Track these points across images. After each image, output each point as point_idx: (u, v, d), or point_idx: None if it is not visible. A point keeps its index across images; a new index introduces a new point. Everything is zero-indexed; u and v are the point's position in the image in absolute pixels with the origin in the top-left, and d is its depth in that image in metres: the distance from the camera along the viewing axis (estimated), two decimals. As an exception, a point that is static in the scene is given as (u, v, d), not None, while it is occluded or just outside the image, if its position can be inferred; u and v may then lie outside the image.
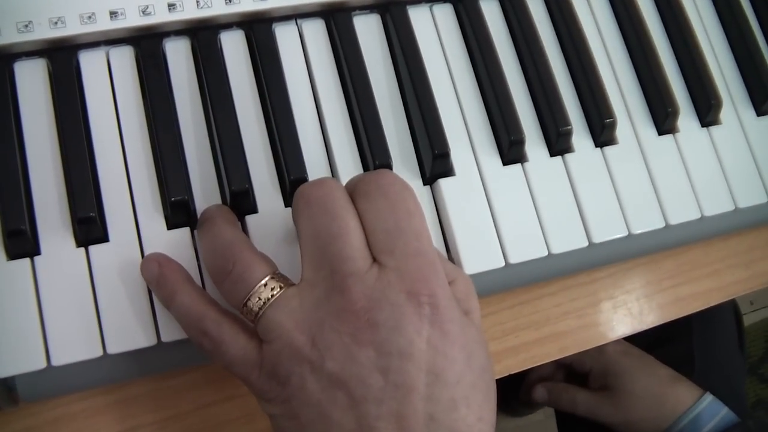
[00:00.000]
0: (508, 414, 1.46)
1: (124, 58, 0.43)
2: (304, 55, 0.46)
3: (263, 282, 0.35)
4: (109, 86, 0.43)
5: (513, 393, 1.00)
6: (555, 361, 0.85)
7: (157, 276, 0.38)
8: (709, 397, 0.70)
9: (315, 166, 0.43)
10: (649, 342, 0.80)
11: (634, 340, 0.80)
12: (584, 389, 0.79)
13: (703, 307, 0.55)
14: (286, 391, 0.34)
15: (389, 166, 0.43)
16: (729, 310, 0.82)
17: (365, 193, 0.36)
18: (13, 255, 0.39)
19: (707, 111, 0.50)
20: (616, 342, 0.78)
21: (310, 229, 0.35)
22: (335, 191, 0.35)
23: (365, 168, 0.44)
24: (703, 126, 0.50)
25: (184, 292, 0.37)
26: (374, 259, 0.35)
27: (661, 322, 0.54)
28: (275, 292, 0.35)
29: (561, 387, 0.83)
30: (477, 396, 0.35)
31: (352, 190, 0.36)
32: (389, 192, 0.35)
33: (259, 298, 0.35)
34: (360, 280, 0.34)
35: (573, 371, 0.83)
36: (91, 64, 0.43)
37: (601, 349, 0.77)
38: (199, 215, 0.41)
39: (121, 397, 0.45)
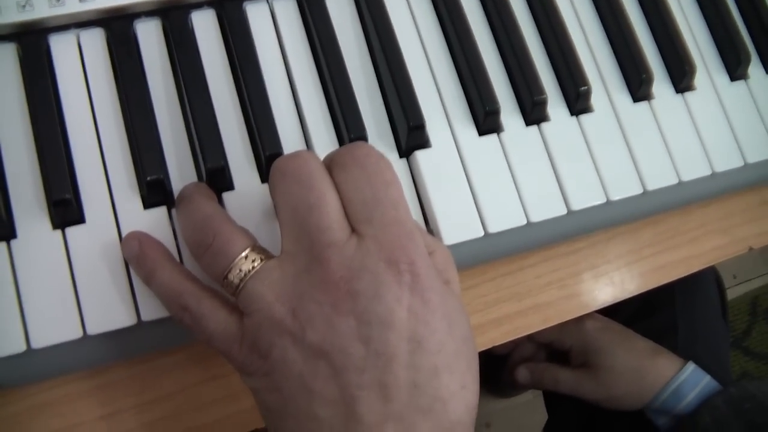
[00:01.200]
0: (497, 395, 1.47)
1: (94, 40, 0.43)
2: (276, 32, 0.45)
3: (243, 254, 0.35)
4: (81, 69, 0.42)
5: (500, 375, 1.01)
6: (536, 341, 0.87)
7: (137, 253, 0.38)
8: (690, 367, 0.70)
9: (290, 142, 0.43)
10: (634, 314, 0.80)
11: (618, 312, 0.81)
12: (566, 368, 0.80)
13: (684, 274, 0.55)
14: (267, 363, 0.34)
15: (364, 139, 0.43)
16: (711, 280, 0.82)
17: (341, 164, 0.36)
18: (-11, 239, 0.39)
19: (681, 77, 0.50)
20: (595, 319, 0.78)
21: (287, 202, 0.35)
22: (310, 162, 0.35)
23: (341, 142, 0.44)
24: (677, 92, 0.51)
25: (164, 269, 0.37)
26: (353, 230, 0.35)
27: (643, 290, 0.54)
28: (255, 264, 0.35)
29: (543, 367, 0.83)
30: (460, 364, 0.35)
31: (329, 163, 0.36)
32: (365, 163, 0.35)
33: (240, 270, 0.35)
34: (339, 251, 0.34)
35: (554, 350, 0.84)
36: (61, 47, 0.43)
37: (580, 327, 0.78)
38: (175, 194, 0.41)
39: (103, 381, 0.44)
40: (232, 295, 0.36)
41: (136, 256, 0.38)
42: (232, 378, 0.46)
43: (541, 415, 0.95)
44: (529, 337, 0.88)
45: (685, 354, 0.73)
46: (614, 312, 0.80)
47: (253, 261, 0.35)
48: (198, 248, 0.37)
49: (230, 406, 0.46)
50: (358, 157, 0.36)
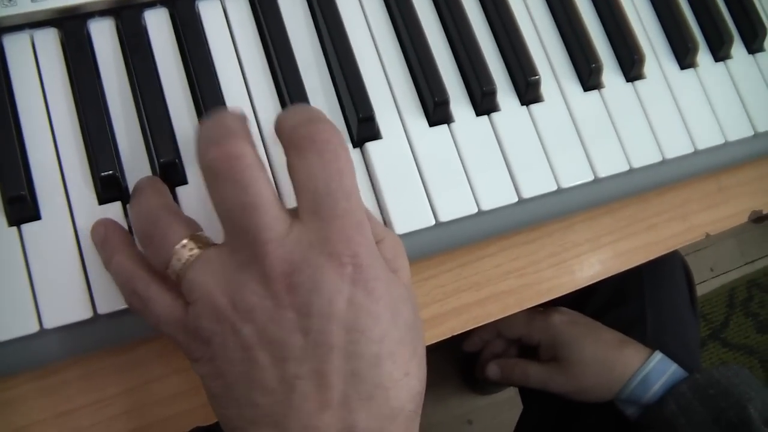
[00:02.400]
0: (477, 392, 1.47)
1: (48, 40, 0.44)
2: (229, 29, 0.46)
3: (182, 243, 0.35)
4: (35, 68, 0.43)
5: (473, 372, 1.01)
6: (505, 337, 0.87)
7: (101, 238, 0.39)
8: (658, 356, 0.71)
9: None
10: (603, 305, 0.81)
11: (588, 304, 0.81)
12: (535, 362, 0.80)
13: (643, 261, 0.56)
14: (210, 350, 0.35)
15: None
16: (679, 268, 0.83)
17: (299, 147, 0.35)
18: (-57, 237, 0.40)
19: (631, 66, 0.51)
20: (562, 312, 0.79)
21: (223, 203, 0.34)
22: (243, 159, 0.33)
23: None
24: (628, 81, 0.52)
25: (122, 254, 0.38)
26: (298, 216, 0.35)
27: (603, 277, 0.55)
28: (193, 253, 0.35)
29: (512, 362, 0.84)
30: (403, 352, 0.35)
31: (286, 137, 0.36)
32: (323, 150, 0.34)
33: (179, 259, 0.35)
34: (280, 245, 0.33)
35: (524, 346, 0.84)
36: (15, 47, 0.43)
37: (547, 321, 0.79)
38: (130, 190, 0.41)
39: (69, 377, 0.45)
40: (177, 283, 0.36)
41: (101, 240, 0.39)
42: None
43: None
44: (499, 334, 0.89)
45: (655, 343, 0.74)
46: (584, 303, 0.81)
47: (191, 250, 0.35)
48: (143, 240, 0.37)
49: (195, 399, 0.46)
50: (317, 143, 0.34)
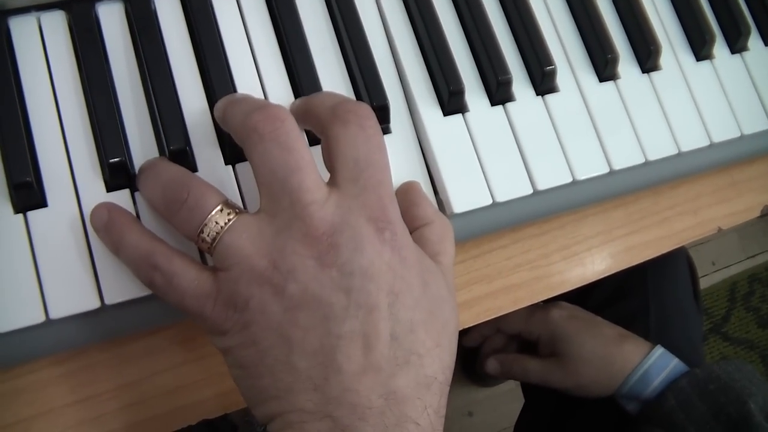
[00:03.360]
0: (478, 385, 1.47)
1: (56, 23, 0.43)
2: (240, 11, 0.45)
3: (218, 207, 0.35)
4: (42, 52, 0.42)
5: (473, 367, 1.01)
6: (505, 332, 0.87)
7: (106, 221, 0.38)
8: (658, 351, 0.71)
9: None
10: (606, 299, 0.81)
11: (590, 297, 0.81)
12: (535, 358, 0.80)
13: (655, 255, 0.56)
14: (244, 316, 0.34)
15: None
16: (683, 262, 0.83)
17: (343, 119, 0.36)
18: (-52, 223, 0.39)
19: (647, 57, 0.50)
20: (561, 307, 0.79)
21: (266, 164, 0.35)
22: (287, 123, 0.35)
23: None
24: (643, 72, 0.51)
25: (133, 231, 0.37)
26: (335, 185, 0.36)
27: (614, 271, 0.55)
28: (231, 218, 0.35)
29: (512, 358, 0.83)
30: (435, 323, 0.36)
31: (328, 110, 0.37)
32: (366, 125, 0.36)
33: (216, 223, 0.35)
34: (321, 207, 0.34)
35: (524, 341, 0.84)
36: (21, 29, 0.42)
37: (547, 316, 0.78)
38: None
39: (75, 367, 0.44)
40: (207, 251, 0.36)
41: (105, 224, 0.38)
42: (208, 361, 0.46)
43: (522, 403, 0.96)
44: (499, 329, 0.88)
45: (657, 337, 0.74)
46: (586, 297, 0.81)
47: (229, 214, 0.35)
48: (172, 206, 0.36)
49: (206, 390, 0.46)
50: (360, 117, 0.36)
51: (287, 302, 0.33)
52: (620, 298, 0.80)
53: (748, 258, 1.75)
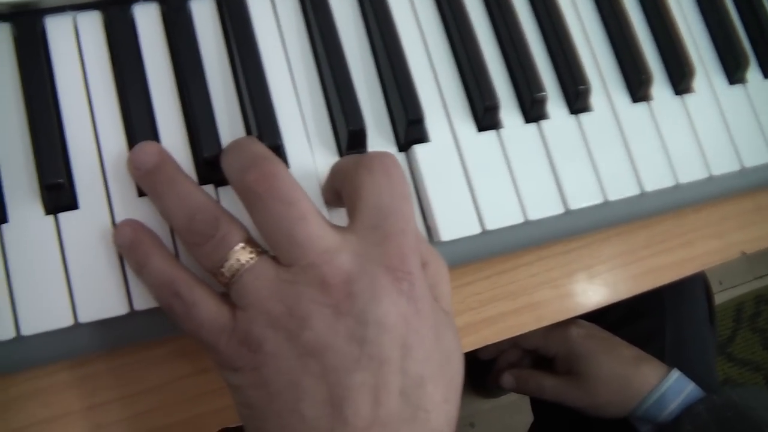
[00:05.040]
0: (482, 395, 1.47)
1: (92, 23, 0.42)
2: (276, 19, 0.45)
3: (241, 245, 0.35)
4: (77, 52, 0.42)
5: (485, 379, 1.01)
6: (522, 347, 0.86)
7: (129, 241, 0.38)
8: (675, 375, 0.70)
9: (290, 132, 0.43)
10: (621, 318, 0.80)
11: (605, 316, 0.80)
12: (551, 375, 0.80)
13: (678, 278, 0.55)
14: (257, 358, 0.33)
15: (363, 132, 0.42)
16: (700, 285, 0.83)
17: (369, 167, 0.36)
18: (-22, 223, 0.38)
19: (680, 79, 0.50)
20: (580, 325, 0.78)
21: (270, 221, 0.34)
22: (281, 177, 0.35)
23: (336, 134, 0.44)
24: (676, 94, 0.51)
25: (157, 255, 0.37)
26: (353, 232, 0.35)
27: (637, 293, 0.54)
28: (252, 257, 0.35)
29: (527, 373, 0.83)
30: (444, 377, 0.35)
31: (353, 161, 0.37)
32: (391, 172, 0.36)
33: (238, 260, 0.34)
34: (337, 254, 0.34)
35: (540, 357, 0.84)
36: (57, 29, 0.42)
37: (565, 334, 0.78)
38: None
39: (90, 372, 0.44)
40: (223, 284, 0.35)
41: (129, 244, 0.38)
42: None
43: (526, 416, 0.95)
44: (515, 343, 0.88)
45: (672, 358, 0.73)
46: (601, 315, 0.80)
47: (251, 253, 0.35)
48: (197, 237, 0.36)
49: (219, 400, 0.45)
50: (385, 164, 0.36)
51: (300, 349, 0.33)
52: (636, 317, 0.80)
53: (755, 279, 1.75)
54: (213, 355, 0.35)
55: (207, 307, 0.35)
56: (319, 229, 0.34)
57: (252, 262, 0.34)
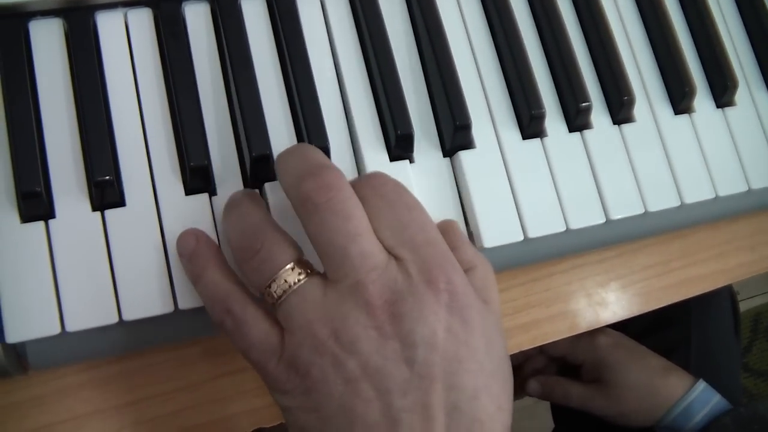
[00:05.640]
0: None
1: (142, 20, 0.42)
2: (326, 23, 0.45)
3: (289, 266, 0.35)
4: (127, 49, 0.42)
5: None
6: (548, 354, 0.86)
7: (191, 250, 0.37)
8: (701, 386, 0.70)
9: (337, 137, 0.43)
10: (647, 326, 0.80)
11: (631, 324, 0.80)
12: (577, 382, 0.80)
13: (709, 289, 0.55)
14: (305, 382, 0.33)
15: (410, 137, 0.42)
16: (726, 296, 0.82)
17: (361, 198, 0.35)
18: (27, 218, 0.38)
19: (723, 92, 0.50)
20: (608, 334, 0.78)
21: (325, 234, 0.34)
22: (343, 192, 0.34)
23: (386, 138, 0.43)
24: (718, 107, 0.50)
25: (215, 268, 0.36)
26: (389, 254, 0.35)
27: (668, 303, 0.54)
28: (301, 278, 0.34)
29: (554, 380, 0.83)
30: (496, 385, 0.34)
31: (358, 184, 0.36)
32: (383, 191, 0.36)
33: (285, 281, 0.34)
34: (383, 274, 0.33)
35: (566, 364, 0.84)
36: (108, 25, 0.42)
37: (593, 342, 0.78)
38: (218, 181, 0.40)
39: (131, 367, 0.44)
40: (271, 304, 0.35)
41: (190, 253, 0.38)
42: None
43: (540, 421, 0.95)
44: (542, 350, 0.88)
45: (698, 368, 0.73)
46: (627, 323, 0.80)
47: (299, 274, 0.34)
48: (244, 253, 0.36)
49: (258, 399, 0.45)
50: (375, 187, 0.36)
51: (349, 374, 0.33)
52: (662, 326, 0.80)
53: (773, 290, 1.74)
54: (262, 376, 0.35)
55: (257, 328, 0.35)
56: (371, 246, 0.34)
57: (300, 283, 0.34)
